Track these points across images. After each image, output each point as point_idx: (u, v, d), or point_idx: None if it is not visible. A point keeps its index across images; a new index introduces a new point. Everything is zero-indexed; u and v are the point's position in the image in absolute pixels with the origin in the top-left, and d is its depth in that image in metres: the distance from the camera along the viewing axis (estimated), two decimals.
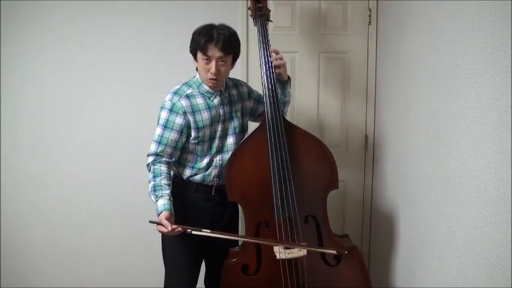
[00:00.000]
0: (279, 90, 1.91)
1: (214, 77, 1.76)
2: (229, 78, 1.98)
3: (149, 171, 1.82)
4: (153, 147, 1.83)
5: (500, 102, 1.27)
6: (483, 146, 1.36)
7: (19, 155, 2.46)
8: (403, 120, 2.10)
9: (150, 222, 1.67)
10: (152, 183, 1.76)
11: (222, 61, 1.75)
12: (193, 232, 1.66)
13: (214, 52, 1.73)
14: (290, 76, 1.97)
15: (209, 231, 1.69)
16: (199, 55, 1.77)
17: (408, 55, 2.04)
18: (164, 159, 1.82)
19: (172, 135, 1.81)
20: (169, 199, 1.72)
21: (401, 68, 2.14)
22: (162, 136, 1.81)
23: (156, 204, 1.72)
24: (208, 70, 1.76)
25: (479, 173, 1.38)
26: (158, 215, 1.68)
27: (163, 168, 1.80)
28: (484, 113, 1.36)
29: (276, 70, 1.86)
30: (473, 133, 1.42)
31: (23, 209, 2.50)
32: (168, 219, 1.65)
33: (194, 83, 1.87)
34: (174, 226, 1.64)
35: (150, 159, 1.82)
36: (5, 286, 2.50)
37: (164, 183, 1.76)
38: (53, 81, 2.42)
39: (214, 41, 1.72)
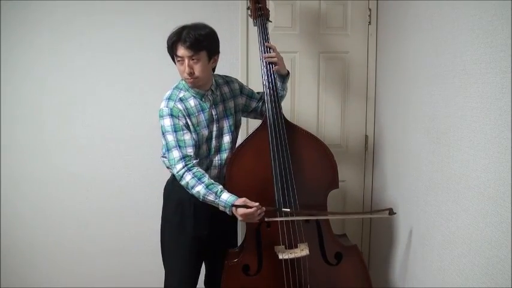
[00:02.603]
0: (279, 85, 1.93)
1: (189, 77, 1.75)
2: (219, 75, 1.97)
3: (182, 177, 1.72)
4: (176, 154, 1.73)
5: (500, 102, 1.27)
6: (483, 146, 1.36)
7: (19, 155, 2.46)
8: (403, 120, 2.11)
9: (234, 206, 1.63)
10: (201, 185, 1.68)
11: (194, 59, 1.73)
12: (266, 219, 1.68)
13: (184, 51, 1.72)
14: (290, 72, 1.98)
15: (288, 210, 1.70)
16: (175, 58, 1.77)
17: (408, 55, 2.04)
18: (194, 161, 1.75)
19: (187, 136, 1.76)
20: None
21: (401, 68, 2.14)
22: (178, 140, 1.75)
23: (219, 201, 1.67)
24: (183, 71, 1.75)
25: (479, 173, 1.38)
26: (230, 207, 1.65)
27: (201, 169, 1.74)
28: (484, 113, 1.36)
29: (274, 67, 1.88)
30: (473, 133, 1.42)
31: (23, 209, 2.50)
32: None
33: (184, 86, 1.86)
34: (258, 204, 1.62)
35: (180, 166, 1.72)
36: (5, 286, 2.50)
37: (213, 181, 1.72)
38: (53, 81, 2.42)
39: (182, 40, 1.71)
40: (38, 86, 2.42)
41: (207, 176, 1.73)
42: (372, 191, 2.61)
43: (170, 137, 1.76)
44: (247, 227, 1.90)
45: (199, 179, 1.70)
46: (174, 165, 1.74)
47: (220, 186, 1.71)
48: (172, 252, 1.93)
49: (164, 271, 1.98)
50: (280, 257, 1.80)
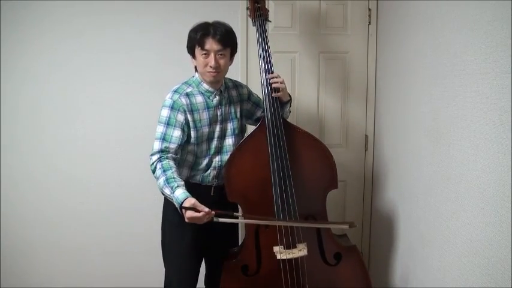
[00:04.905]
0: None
1: (214, 70, 1.76)
2: (229, 79, 1.99)
3: (155, 168, 1.73)
4: (156, 145, 1.76)
5: (500, 102, 1.27)
6: (483, 146, 1.36)
7: (19, 155, 2.46)
8: (403, 120, 2.11)
9: (182, 208, 1.58)
10: (163, 177, 1.67)
11: (221, 54, 1.76)
12: (220, 219, 1.64)
13: (212, 45, 1.74)
14: (291, 95, 1.97)
15: (240, 214, 1.69)
16: (198, 51, 1.78)
17: (408, 55, 2.04)
18: (170, 155, 1.76)
19: (176, 132, 1.78)
20: (186, 190, 1.64)
21: (401, 68, 2.14)
22: (165, 134, 1.77)
23: (172, 196, 1.64)
24: (207, 64, 1.76)
25: (479, 173, 1.38)
26: (180, 205, 1.60)
27: (171, 163, 1.73)
28: (484, 113, 1.36)
29: (274, 94, 1.83)
30: (473, 133, 1.42)
31: (23, 209, 2.50)
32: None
33: (194, 82, 1.87)
34: (208, 210, 1.59)
35: (155, 157, 1.75)
36: (5, 286, 2.50)
37: (177, 176, 1.69)
38: (53, 81, 2.42)
39: (212, 34, 1.74)
40: (38, 86, 2.42)
41: (173, 169, 1.71)
42: (372, 191, 2.61)
43: (160, 129, 1.79)
44: (246, 227, 1.90)
45: (164, 171, 1.69)
46: (151, 155, 1.76)
47: (181, 183, 1.67)
48: (173, 252, 1.93)
49: (164, 271, 1.98)
50: (279, 257, 1.80)
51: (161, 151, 1.76)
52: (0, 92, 2.40)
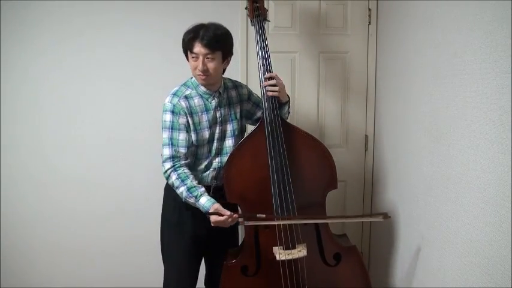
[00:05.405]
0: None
1: (203, 74, 1.76)
2: (229, 79, 1.98)
3: (170, 177, 1.77)
4: (166, 152, 1.79)
5: (500, 102, 1.27)
6: (483, 146, 1.36)
7: (19, 155, 2.46)
8: (403, 120, 2.10)
9: (208, 214, 1.68)
10: (183, 187, 1.73)
11: (209, 57, 1.75)
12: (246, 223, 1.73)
13: (200, 49, 1.74)
14: (289, 96, 1.95)
15: (264, 216, 1.71)
16: (189, 54, 1.79)
17: (408, 55, 2.04)
18: (183, 161, 1.79)
19: (182, 136, 1.79)
20: (210, 196, 1.73)
21: (401, 67, 2.14)
22: (172, 138, 1.79)
23: (198, 204, 1.73)
24: (196, 67, 1.76)
25: (479, 173, 1.38)
26: (207, 211, 1.69)
27: (187, 171, 1.78)
28: (484, 113, 1.36)
29: (271, 93, 1.81)
30: (473, 133, 1.42)
31: (23, 209, 2.50)
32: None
33: (192, 84, 1.87)
34: (231, 213, 1.67)
35: (168, 165, 1.78)
36: (5, 286, 2.50)
37: (196, 183, 1.76)
38: (53, 81, 2.42)
39: (200, 37, 1.73)
40: (37, 86, 2.42)
41: (191, 177, 1.76)
42: (372, 191, 2.61)
43: (166, 134, 1.80)
44: (245, 227, 1.90)
45: (182, 180, 1.75)
46: (163, 162, 1.80)
47: (202, 190, 1.75)
48: (171, 252, 1.93)
49: (163, 269, 1.98)
50: (278, 258, 1.80)
51: (173, 157, 1.78)
52: (0, 91, 2.40)
